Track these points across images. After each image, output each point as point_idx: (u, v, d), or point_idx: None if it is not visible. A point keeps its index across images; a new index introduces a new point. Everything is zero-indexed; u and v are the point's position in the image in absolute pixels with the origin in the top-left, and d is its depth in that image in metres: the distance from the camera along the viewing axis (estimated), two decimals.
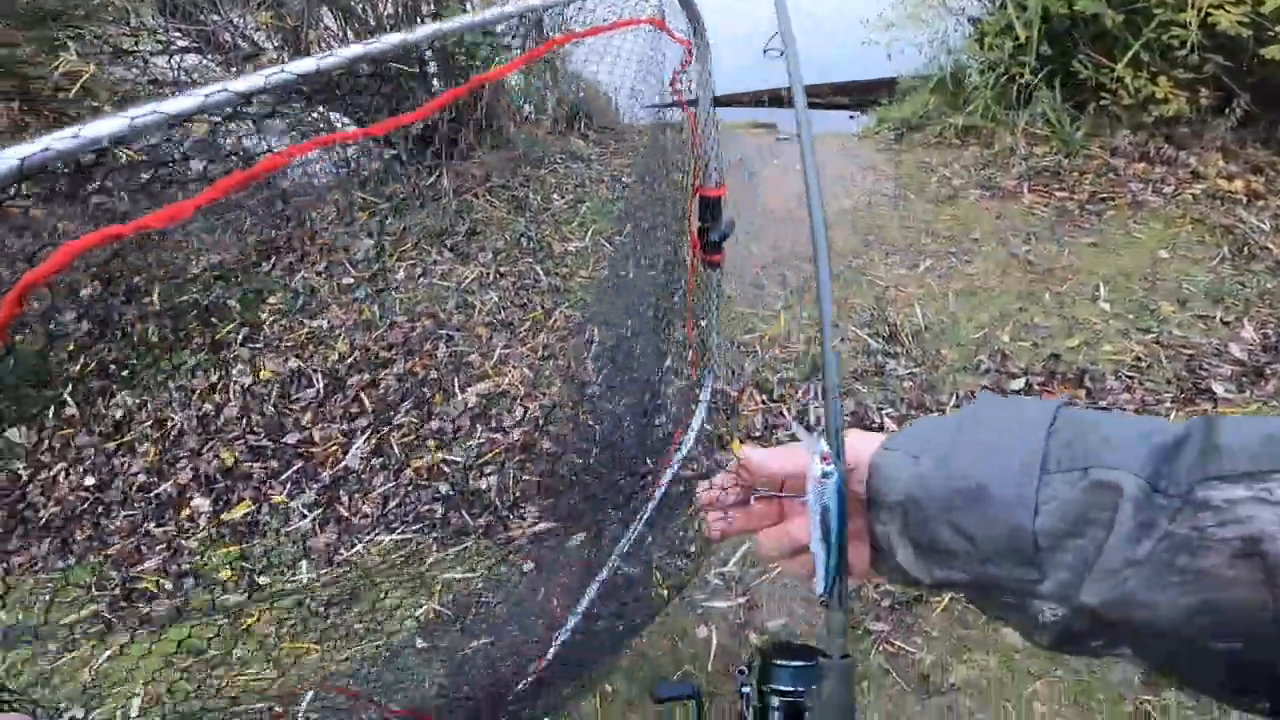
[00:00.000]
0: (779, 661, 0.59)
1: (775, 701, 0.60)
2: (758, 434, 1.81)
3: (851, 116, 4.23)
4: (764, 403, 1.89)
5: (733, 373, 1.96)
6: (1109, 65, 2.84)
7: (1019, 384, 2.14)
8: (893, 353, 2.19)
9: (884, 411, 1.98)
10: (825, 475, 0.41)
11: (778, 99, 3.82)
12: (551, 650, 1.01)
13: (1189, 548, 0.31)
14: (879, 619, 1.66)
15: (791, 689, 0.55)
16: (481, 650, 1.28)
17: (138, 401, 2.00)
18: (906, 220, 2.88)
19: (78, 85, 2.33)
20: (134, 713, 1.51)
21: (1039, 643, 0.37)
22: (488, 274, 2.16)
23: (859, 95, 4.11)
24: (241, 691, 1.50)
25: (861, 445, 0.43)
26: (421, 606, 1.56)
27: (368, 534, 1.62)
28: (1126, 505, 0.32)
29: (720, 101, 2.94)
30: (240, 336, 2.10)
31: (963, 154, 3.20)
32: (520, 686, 1.00)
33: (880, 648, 1.59)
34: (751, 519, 0.47)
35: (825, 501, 0.41)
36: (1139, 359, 2.22)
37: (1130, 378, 2.17)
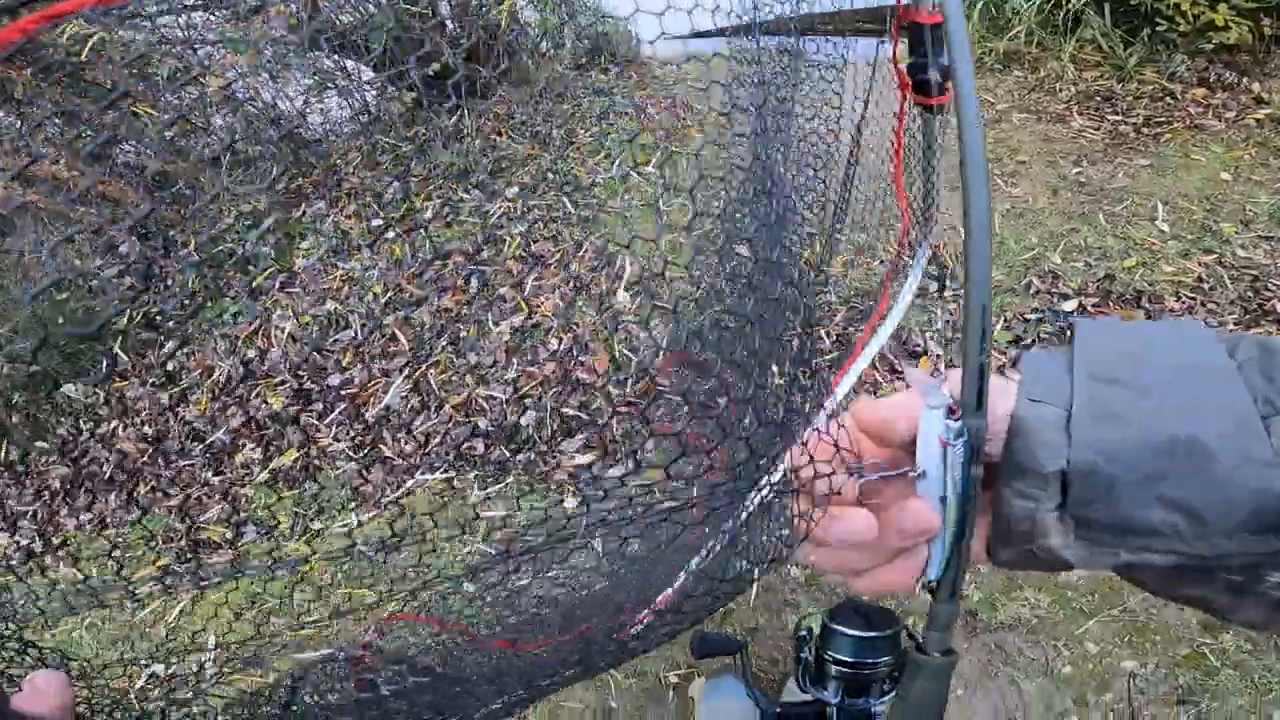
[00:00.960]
0: (843, 629, 0.53)
1: (833, 670, 0.54)
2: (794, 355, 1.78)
3: (881, 43, 4.03)
4: (802, 329, 1.86)
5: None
6: None
7: (1071, 304, 2.06)
8: (935, 275, 2.12)
9: (927, 335, 1.93)
10: (956, 436, 0.30)
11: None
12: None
13: None
14: (928, 589, 1.64)
15: (853, 659, 0.49)
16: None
17: (186, 351, 2.05)
18: (945, 143, 2.75)
19: (88, 48, 2.32)
20: (209, 665, 1.58)
21: (1244, 618, 0.30)
22: (514, 209, 2.14)
23: (885, 22, 3.93)
24: (308, 639, 1.57)
25: (1000, 390, 0.31)
26: (466, 547, 1.59)
27: (411, 474, 1.65)
28: None
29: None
30: (277, 283, 2.12)
31: (1005, 79, 3.04)
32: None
33: (925, 582, 1.58)
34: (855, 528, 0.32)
35: (951, 472, 0.30)
36: (1200, 280, 2.12)
37: (1191, 298, 2.07)
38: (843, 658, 0.51)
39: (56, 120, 2.78)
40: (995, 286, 2.14)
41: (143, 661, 1.65)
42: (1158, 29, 2.74)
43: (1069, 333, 2.00)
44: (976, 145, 0.30)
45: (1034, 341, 1.98)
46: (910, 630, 0.38)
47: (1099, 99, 2.82)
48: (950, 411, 0.30)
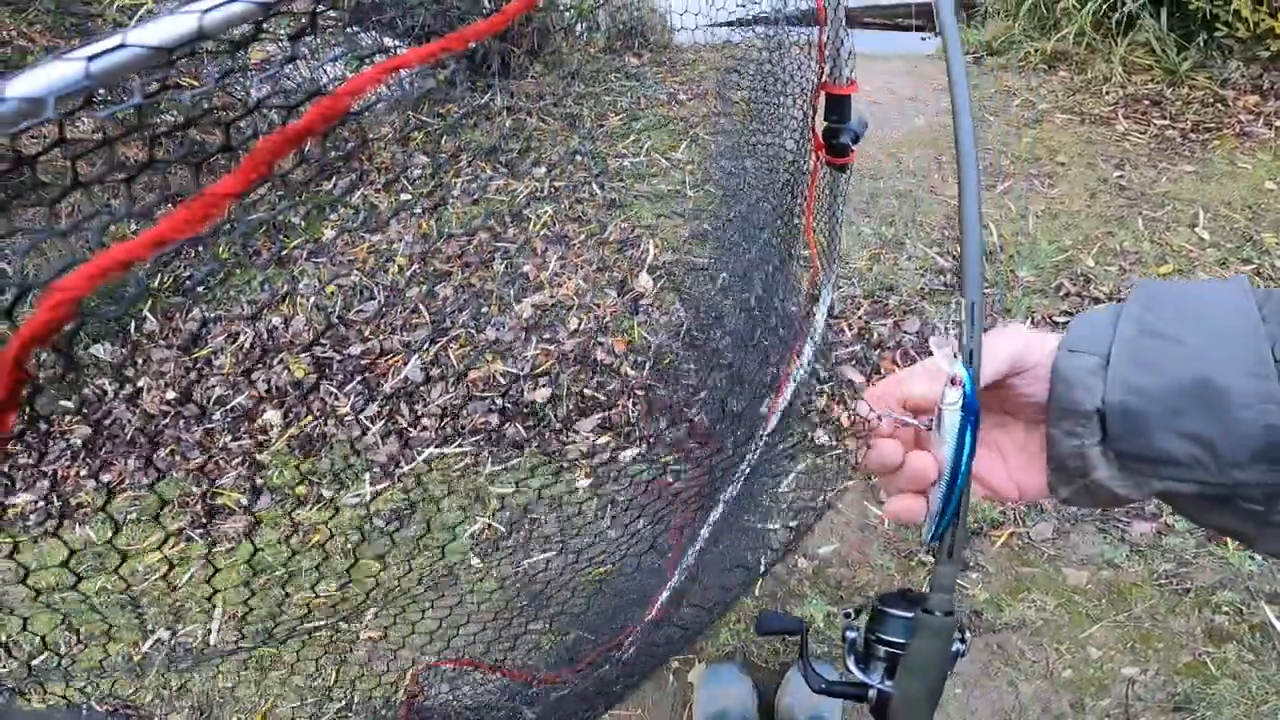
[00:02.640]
0: (892, 610, 0.54)
1: (881, 651, 0.55)
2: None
3: (923, 38, 4.00)
4: (826, 320, 1.83)
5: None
6: None
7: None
8: (956, 271, 2.08)
9: (952, 332, 1.89)
10: (954, 403, 0.34)
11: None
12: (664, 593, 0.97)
13: None
14: (931, 552, 1.62)
15: (902, 640, 0.50)
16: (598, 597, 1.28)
17: (212, 316, 2.08)
18: (984, 142, 2.71)
19: (134, 21, 2.35)
20: (215, 631, 1.59)
21: (1266, 551, 0.33)
22: (542, 189, 2.14)
23: (930, 17, 3.90)
24: (313, 610, 1.58)
25: (1033, 345, 0.36)
26: (476, 522, 1.60)
27: (427, 447, 1.66)
28: None
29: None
30: (305, 252, 2.14)
31: (1050, 80, 2.98)
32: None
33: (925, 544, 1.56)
34: (884, 454, 0.40)
35: (947, 434, 0.34)
36: None
37: None
38: (889, 638, 0.52)
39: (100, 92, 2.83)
40: (1025, 288, 2.10)
41: (149, 626, 1.67)
42: (1215, 34, 2.67)
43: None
44: (970, 170, 0.39)
45: None
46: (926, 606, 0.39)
47: (1147, 103, 2.75)
48: (952, 381, 0.34)
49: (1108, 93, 2.82)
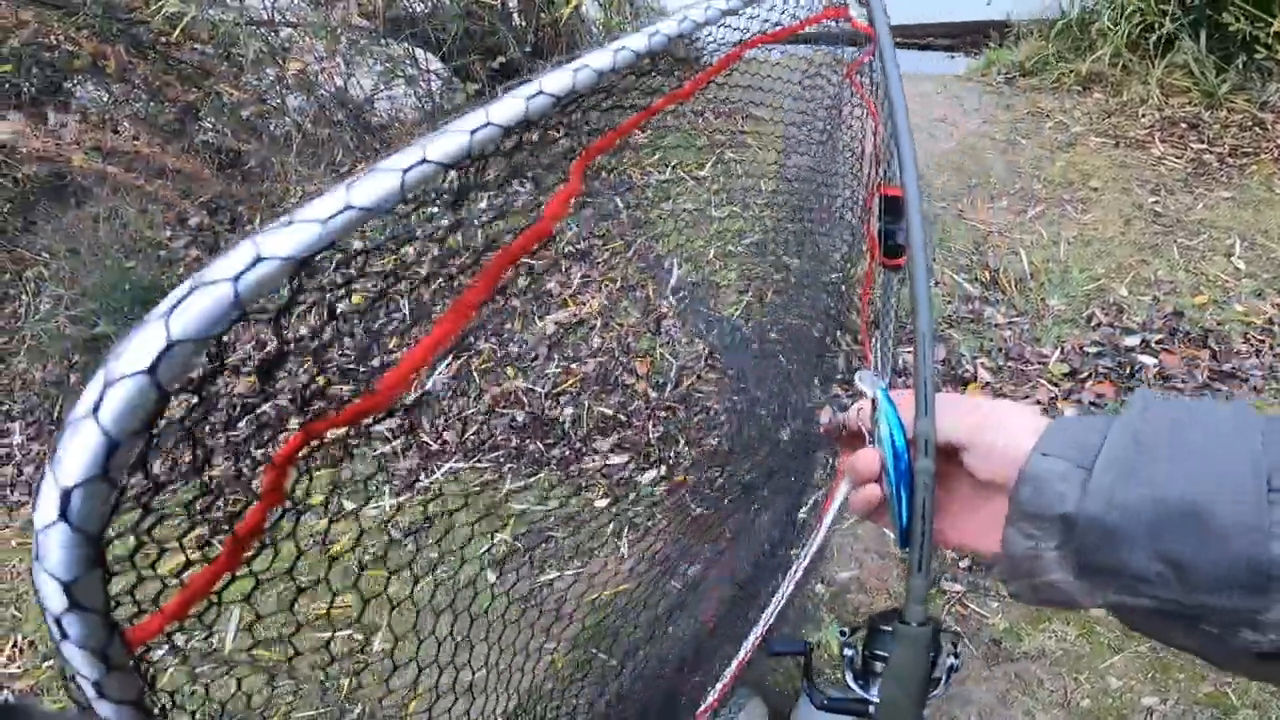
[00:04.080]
0: (884, 627, 0.57)
1: (877, 666, 0.57)
2: (839, 375, 1.74)
3: (951, 57, 3.98)
4: (848, 345, 1.82)
5: None
6: (1265, 18, 2.53)
7: (1134, 340, 1.97)
8: (992, 299, 2.06)
9: (979, 361, 1.87)
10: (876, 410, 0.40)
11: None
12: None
13: None
14: (954, 579, 1.60)
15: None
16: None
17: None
18: (1015, 165, 2.68)
19: (179, 29, 2.42)
20: (230, 639, 1.61)
21: (1234, 668, 0.33)
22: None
23: (960, 37, 3.88)
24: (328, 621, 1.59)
25: (1011, 434, 0.37)
26: (495, 538, 1.61)
27: (446, 461, 1.67)
28: None
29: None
30: (333, 261, 2.18)
31: (1084, 101, 2.93)
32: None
33: (953, 609, 1.53)
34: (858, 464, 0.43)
35: (879, 435, 0.39)
36: (1271, 321, 2.01)
37: (1260, 340, 1.97)
38: (883, 653, 0.55)
39: (143, 96, 2.91)
40: (1055, 317, 2.07)
41: (167, 629, 1.70)
42: (1254, 56, 2.62)
43: (1129, 369, 1.92)
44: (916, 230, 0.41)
45: (1090, 375, 1.90)
46: (935, 625, 0.43)
47: (1184, 126, 2.70)
48: (874, 404, 0.40)
49: (1143, 115, 2.78)
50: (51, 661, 1.75)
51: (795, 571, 0.96)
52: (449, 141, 0.26)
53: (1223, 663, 0.33)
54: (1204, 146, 2.63)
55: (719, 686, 0.93)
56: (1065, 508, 0.33)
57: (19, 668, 1.74)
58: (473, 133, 0.27)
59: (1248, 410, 0.33)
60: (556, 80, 0.30)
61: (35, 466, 2.10)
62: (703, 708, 0.92)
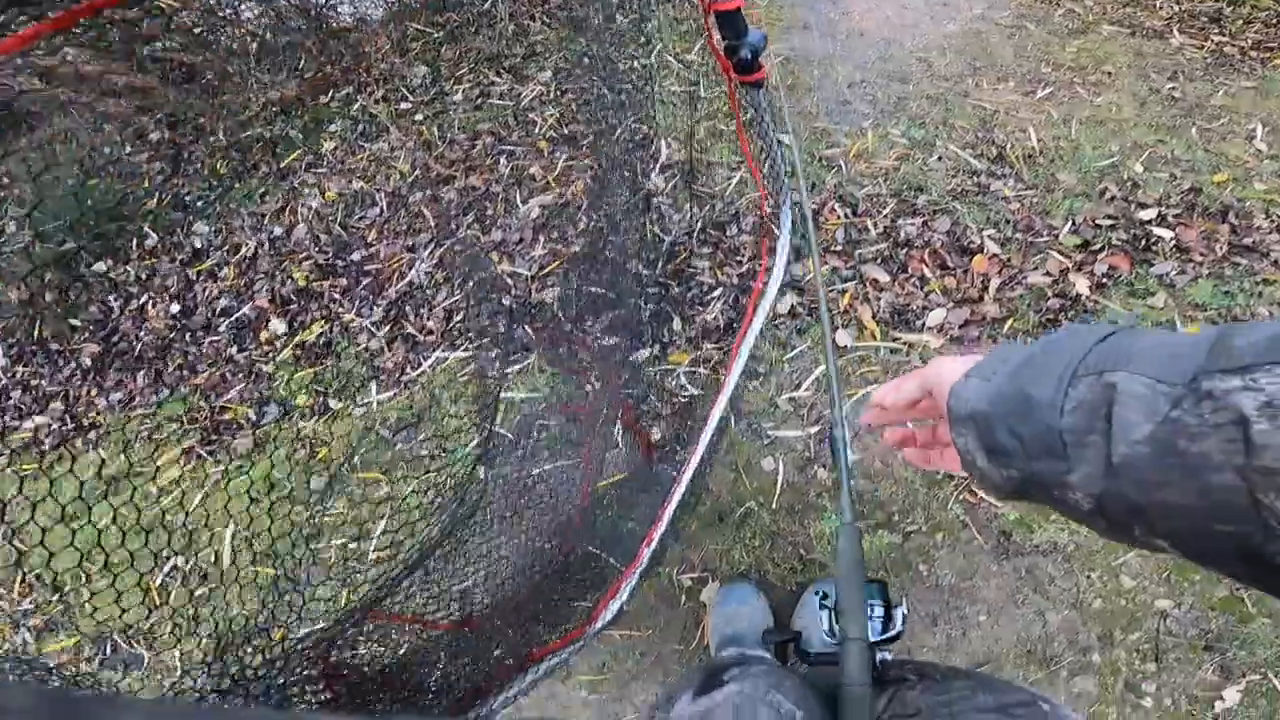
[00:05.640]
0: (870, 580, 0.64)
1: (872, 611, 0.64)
2: (838, 247, 1.66)
3: None
4: (847, 217, 1.73)
5: (812, 185, 1.79)
6: None
7: (1150, 214, 1.88)
8: (999, 174, 1.95)
9: (985, 233, 1.78)
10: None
11: None
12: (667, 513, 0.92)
13: (1188, 433, 0.33)
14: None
15: (880, 601, 0.63)
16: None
17: (214, 229, 2.02)
18: (1023, 49, 2.52)
19: None
20: (227, 557, 1.57)
21: (1098, 532, 0.41)
22: (548, 92, 2.02)
23: None
24: (325, 529, 1.55)
25: (947, 375, 0.49)
26: (484, 432, 1.55)
27: (433, 351, 1.61)
28: (1126, 398, 0.36)
29: None
30: (304, 164, 2.06)
31: None
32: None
33: (960, 497, 1.47)
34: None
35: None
36: None
37: None
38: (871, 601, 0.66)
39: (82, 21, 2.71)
40: (1065, 191, 1.97)
41: (164, 554, 1.66)
42: None
43: (1144, 242, 1.83)
44: None
45: (1103, 248, 1.82)
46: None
47: (1205, 19, 2.54)
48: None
49: (1161, 6, 2.61)
50: (61, 595, 1.72)
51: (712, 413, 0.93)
52: None
53: (1087, 526, 0.41)
54: (1225, 39, 2.48)
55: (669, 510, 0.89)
56: (971, 408, 0.44)
57: (30, 603, 1.71)
58: None
59: (1100, 331, 0.41)
60: None
61: (21, 390, 2.04)
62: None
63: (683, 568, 1.45)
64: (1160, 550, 0.38)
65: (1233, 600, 1.29)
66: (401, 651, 0.88)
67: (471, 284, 1.59)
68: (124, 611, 1.58)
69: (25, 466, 1.85)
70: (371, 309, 1.67)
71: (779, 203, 1.21)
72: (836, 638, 0.57)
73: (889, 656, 0.61)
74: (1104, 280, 1.76)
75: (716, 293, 1.52)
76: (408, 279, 1.69)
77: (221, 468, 1.66)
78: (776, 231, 1.27)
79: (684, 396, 1.40)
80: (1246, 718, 1.22)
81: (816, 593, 0.64)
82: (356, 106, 2.17)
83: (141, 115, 2.57)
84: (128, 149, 2.53)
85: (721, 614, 1.36)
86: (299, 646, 0.74)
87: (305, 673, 0.71)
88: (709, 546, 1.44)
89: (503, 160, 1.85)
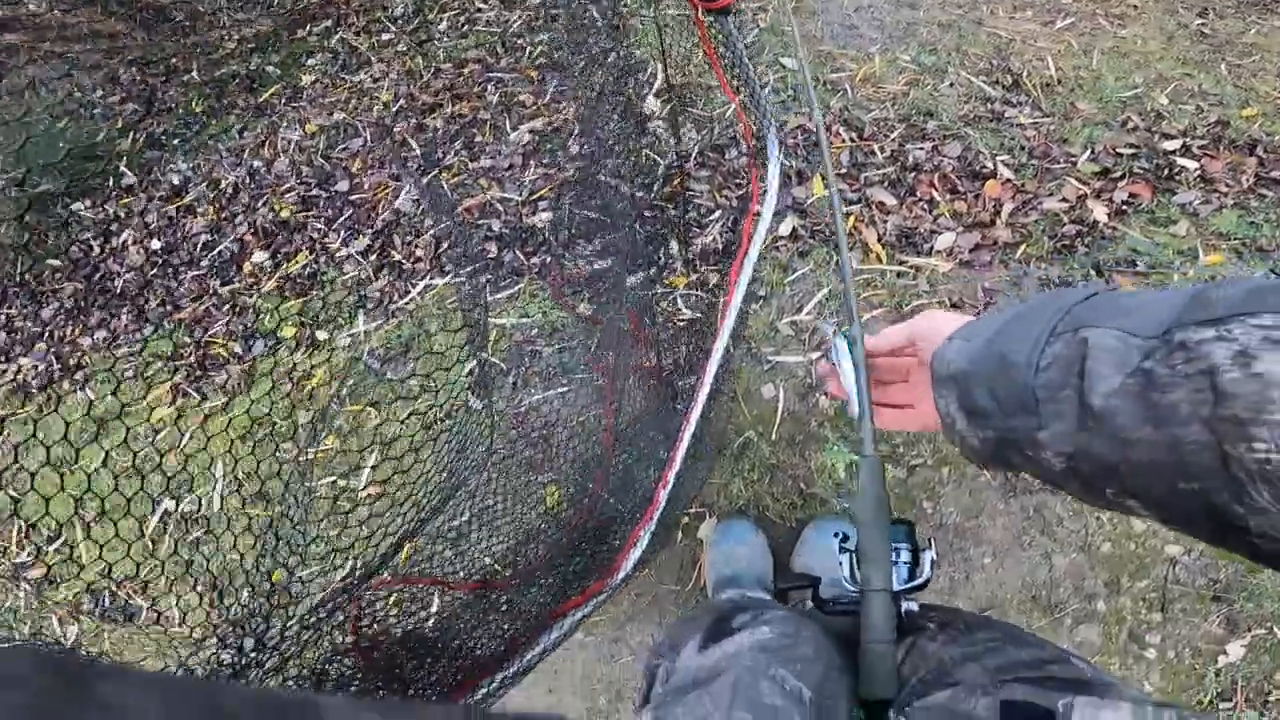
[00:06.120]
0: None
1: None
2: (843, 169, 1.58)
3: None
4: (852, 140, 1.65)
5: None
6: None
7: (1175, 144, 1.80)
8: (1014, 101, 1.86)
9: (999, 158, 1.70)
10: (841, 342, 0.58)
11: None
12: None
13: (1159, 384, 0.33)
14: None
15: (907, 544, 0.56)
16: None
17: (191, 165, 1.95)
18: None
19: None
20: (217, 499, 1.52)
21: (1072, 494, 0.40)
22: (537, 18, 1.92)
23: None
24: (314, 468, 1.51)
25: (940, 330, 0.48)
26: (474, 359, 1.49)
27: (421, 279, 1.54)
28: (1098, 351, 0.36)
29: None
30: (283, 99, 1.98)
31: None
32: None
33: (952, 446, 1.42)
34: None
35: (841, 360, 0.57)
36: None
37: None
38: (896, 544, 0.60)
39: None
40: (1085, 119, 1.88)
41: (155, 496, 1.62)
42: None
43: (1167, 171, 1.75)
44: None
45: (1124, 175, 1.74)
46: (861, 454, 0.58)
47: None
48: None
49: None
50: (58, 544, 1.68)
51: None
52: None
53: (1060, 488, 0.40)
54: None
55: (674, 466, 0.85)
56: (952, 369, 0.44)
57: (28, 555, 1.67)
58: None
59: (1082, 293, 0.41)
60: None
61: (5, 332, 1.98)
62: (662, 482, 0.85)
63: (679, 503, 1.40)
64: (1132, 512, 0.36)
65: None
66: (428, 619, 0.85)
67: (449, 221, 1.53)
68: (113, 564, 1.55)
69: (14, 410, 1.80)
70: (357, 238, 1.60)
71: (763, 132, 1.13)
72: (857, 586, 0.51)
73: (914, 607, 0.56)
74: (1123, 208, 1.68)
75: (715, 215, 1.45)
76: (394, 207, 1.62)
77: (209, 405, 1.61)
78: (765, 164, 1.20)
79: (681, 320, 1.34)
80: (1248, 674, 1.19)
81: (836, 534, 0.57)
82: (336, 39, 2.08)
83: (111, 59, 2.47)
84: (99, 93, 2.44)
85: (719, 553, 1.32)
86: (326, 614, 0.72)
87: (338, 642, 0.68)
88: (706, 480, 1.39)
89: (490, 88, 1.76)
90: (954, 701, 0.43)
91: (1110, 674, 0.50)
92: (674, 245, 1.40)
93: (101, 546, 1.59)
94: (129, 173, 2.01)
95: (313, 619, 0.73)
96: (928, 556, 0.54)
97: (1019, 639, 0.54)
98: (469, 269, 1.43)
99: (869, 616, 0.49)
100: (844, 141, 1.63)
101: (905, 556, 0.53)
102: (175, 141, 2.02)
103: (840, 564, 0.54)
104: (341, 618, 0.73)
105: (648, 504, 0.85)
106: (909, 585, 0.53)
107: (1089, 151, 1.79)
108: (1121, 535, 1.30)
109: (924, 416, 0.54)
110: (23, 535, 1.71)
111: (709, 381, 0.89)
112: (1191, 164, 1.74)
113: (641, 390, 1.29)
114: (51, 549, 1.69)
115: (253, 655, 0.66)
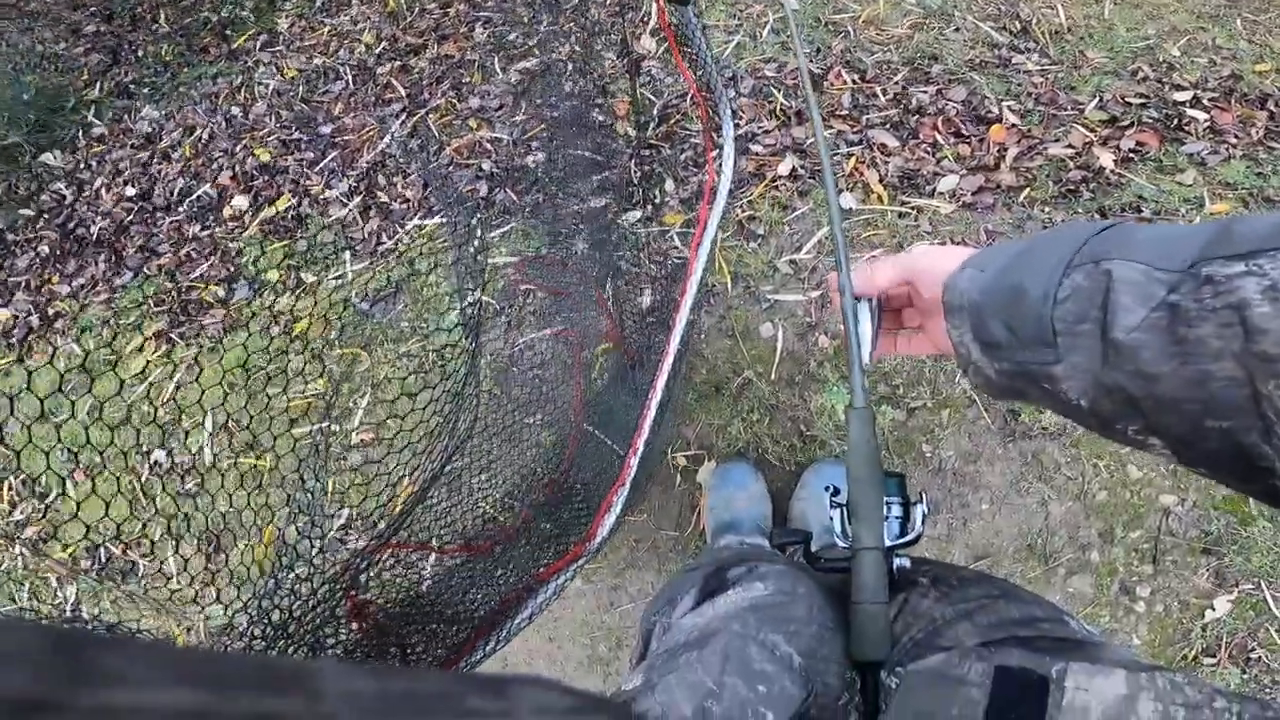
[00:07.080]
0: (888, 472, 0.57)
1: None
2: (844, 111, 1.54)
3: None
4: (854, 82, 1.60)
5: (817, 50, 1.65)
6: None
7: (1185, 95, 1.76)
8: (1022, 48, 1.82)
9: (1004, 104, 1.66)
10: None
11: None
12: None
13: (1187, 319, 0.32)
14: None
15: (898, 498, 0.54)
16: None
17: (164, 113, 1.86)
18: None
19: None
20: (208, 450, 1.48)
21: (1090, 429, 0.39)
22: None
23: None
24: (302, 413, 1.46)
25: (942, 267, 0.47)
26: (465, 299, 1.44)
27: (409, 219, 1.48)
28: (1120, 284, 0.35)
29: None
30: (258, 44, 1.89)
31: None
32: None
33: (964, 379, 1.39)
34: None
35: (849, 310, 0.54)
36: None
37: None
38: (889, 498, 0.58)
39: None
40: (1094, 68, 1.84)
41: (145, 448, 1.57)
42: None
43: (1176, 121, 1.72)
44: None
45: (1132, 124, 1.70)
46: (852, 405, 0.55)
47: None
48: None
49: None
50: (51, 499, 1.62)
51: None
52: None
53: (1080, 423, 0.39)
54: None
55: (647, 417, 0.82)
56: (965, 299, 0.43)
57: (22, 514, 1.61)
58: None
59: (1099, 225, 0.39)
60: None
61: None
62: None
63: (678, 445, 1.37)
64: (1151, 450, 0.35)
65: (1237, 500, 1.24)
66: (421, 583, 0.84)
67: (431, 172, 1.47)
68: (104, 517, 1.50)
69: None
70: (342, 179, 1.54)
71: (720, 122, 1.08)
72: (848, 542, 0.51)
73: (906, 563, 0.54)
74: (1130, 155, 1.65)
75: (712, 154, 1.39)
76: (379, 149, 1.55)
77: (193, 351, 1.55)
78: (717, 150, 1.14)
79: (677, 258, 1.30)
80: (1232, 629, 1.18)
81: (827, 489, 0.57)
82: None
83: (74, 11, 2.37)
84: (62, 45, 2.34)
85: (719, 497, 1.29)
86: (329, 582, 0.69)
87: (334, 611, 0.67)
88: (705, 421, 1.36)
89: (479, 28, 1.69)
90: (947, 666, 0.41)
91: (1100, 633, 0.51)
92: (670, 184, 1.35)
93: (80, 505, 1.54)
94: (98, 122, 1.93)
95: (328, 580, 0.71)
96: (919, 510, 0.53)
97: (1012, 595, 0.54)
98: (458, 210, 1.38)
99: (860, 575, 0.48)
100: (845, 84, 1.58)
101: (896, 511, 0.53)
102: (145, 90, 1.93)
103: (831, 519, 0.53)
104: (343, 581, 0.71)
105: (615, 478, 0.83)
106: (900, 541, 0.52)
107: (1097, 100, 1.75)
108: (1118, 483, 1.28)
109: (934, 339, 0.53)
110: (14, 494, 1.65)
111: (670, 358, 0.87)
112: (1201, 115, 1.71)
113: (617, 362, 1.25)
114: (42, 506, 1.64)
115: (267, 619, 0.64)
